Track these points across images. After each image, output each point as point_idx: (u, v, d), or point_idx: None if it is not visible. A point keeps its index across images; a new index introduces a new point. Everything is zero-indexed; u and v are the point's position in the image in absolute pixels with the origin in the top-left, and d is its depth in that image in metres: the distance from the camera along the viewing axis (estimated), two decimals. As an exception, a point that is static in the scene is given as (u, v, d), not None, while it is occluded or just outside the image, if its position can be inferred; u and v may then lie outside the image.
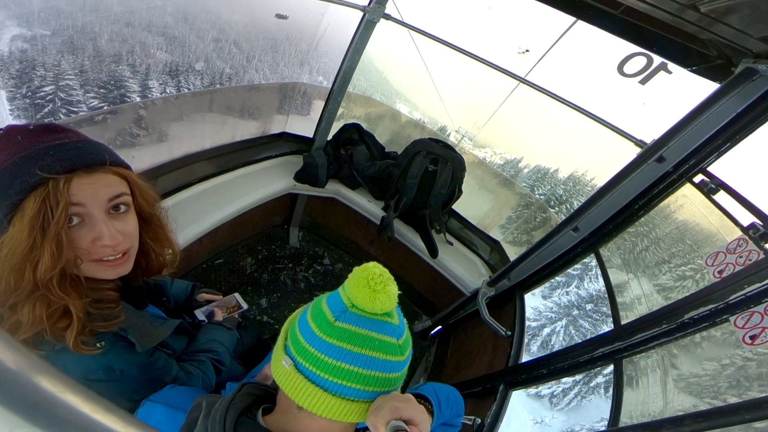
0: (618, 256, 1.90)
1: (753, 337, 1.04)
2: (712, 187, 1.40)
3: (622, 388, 1.49)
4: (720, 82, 1.39)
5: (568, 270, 2.03)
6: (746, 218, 1.24)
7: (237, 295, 1.62)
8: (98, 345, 0.81)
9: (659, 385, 1.42)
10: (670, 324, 1.29)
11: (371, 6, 2.31)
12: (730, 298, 1.13)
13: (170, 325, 1.03)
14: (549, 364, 1.74)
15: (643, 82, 1.63)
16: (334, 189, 2.88)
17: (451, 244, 2.81)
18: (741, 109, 1.31)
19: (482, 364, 2.31)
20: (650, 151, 1.55)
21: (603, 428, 1.41)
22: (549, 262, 2.03)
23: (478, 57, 2.35)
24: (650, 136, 1.66)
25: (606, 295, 1.81)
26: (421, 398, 0.89)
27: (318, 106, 3.00)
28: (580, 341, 1.69)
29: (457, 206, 2.84)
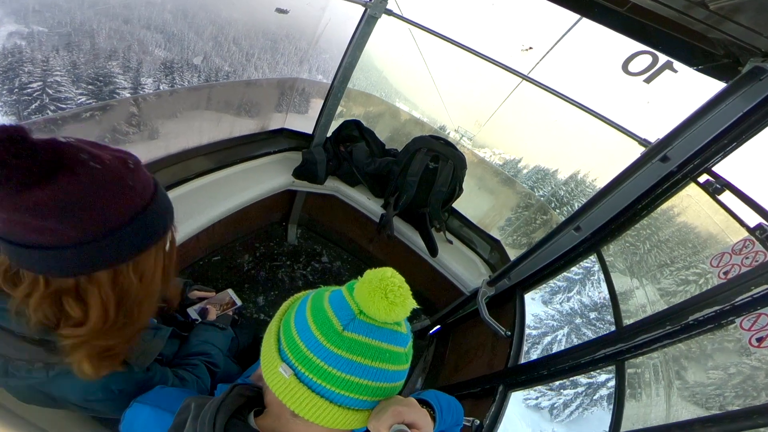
0: (622, 262, 1.88)
1: (760, 340, 1.03)
2: (717, 187, 1.38)
3: (623, 391, 1.47)
4: (726, 81, 1.38)
5: (570, 275, 2.01)
6: (752, 219, 1.22)
7: (231, 291, 1.59)
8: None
9: (662, 397, 1.40)
10: (674, 325, 1.27)
11: (373, 1, 2.29)
12: (736, 299, 1.11)
13: (162, 335, 1.00)
14: (549, 365, 1.72)
15: (648, 80, 1.61)
16: (334, 186, 2.85)
17: (451, 242, 2.79)
18: (748, 109, 1.29)
19: (481, 364, 2.29)
20: (654, 151, 1.53)
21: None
22: (550, 262, 2.02)
23: (481, 54, 2.32)
24: (654, 135, 1.64)
25: (609, 302, 1.79)
26: (423, 403, 0.87)
27: (317, 103, 2.98)
28: (580, 343, 1.68)
29: (457, 204, 2.82)
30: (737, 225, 1.26)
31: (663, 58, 1.54)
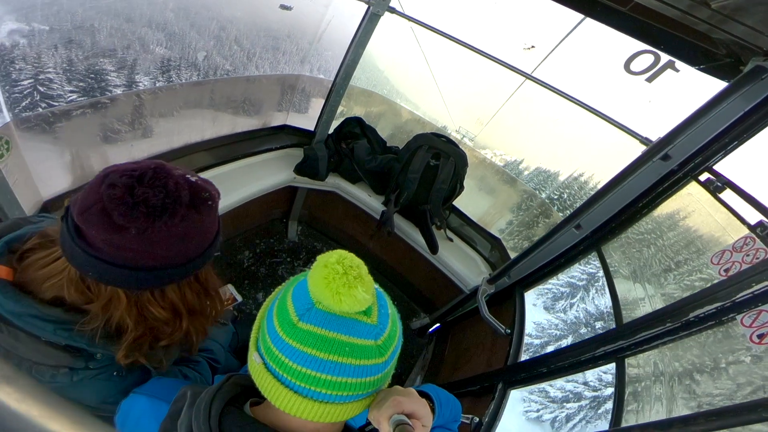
0: (626, 267, 1.88)
1: (761, 336, 1.03)
2: (718, 186, 1.39)
3: (624, 389, 1.48)
4: (728, 80, 1.38)
5: (574, 281, 2.00)
6: (753, 216, 1.23)
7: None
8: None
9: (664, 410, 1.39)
10: (675, 322, 1.28)
11: (376, -1, 2.30)
12: (737, 296, 1.12)
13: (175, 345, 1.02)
14: (549, 362, 1.73)
15: (649, 80, 1.62)
16: (335, 183, 2.85)
17: (451, 240, 2.79)
18: (749, 108, 1.30)
19: (480, 362, 2.29)
20: (656, 149, 1.53)
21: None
22: (550, 260, 2.02)
23: (484, 52, 2.33)
24: (656, 133, 1.65)
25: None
26: (422, 395, 0.87)
27: (318, 102, 2.98)
28: (580, 340, 1.68)
29: (458, 202, 2.83)
30: (738, 223, 1.26)
31: (665, 57, 1.55)
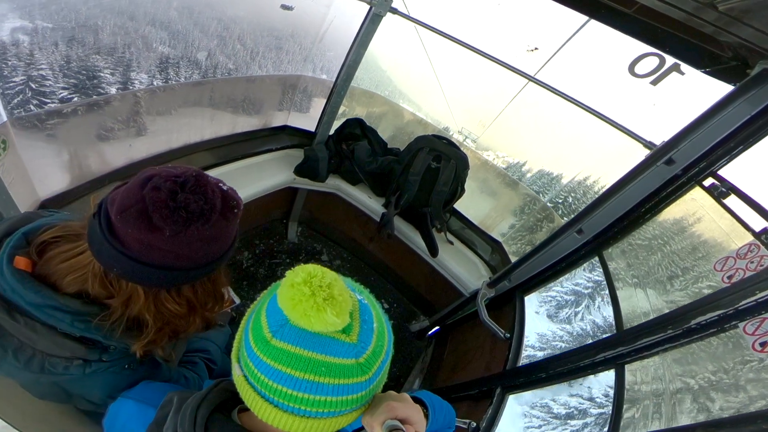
0: (628, 274, 1.85)
1: (764, 344, 1.01)
2: (722, 191, 1.36)
3: (622, 396, 1.46)
4: (734, 84, 1.36)
5: (579, 288, 1.98)
6: (758, 223, 1.20)
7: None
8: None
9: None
10: (676, 329, 1.25)
11: (378, -1, 2.28)
12: (740, 303, 1.10)
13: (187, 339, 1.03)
14: (548, 367, 1.71)
15: (654, 82, 1.60)
16: (335, 184, 2.84)
17: (451, 243, 2.77)
18: (755, 112, 1.28)
19: (479, 366, 2.28)
20: (659, 153, 1.52)
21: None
22: (551, 264, 2.00)
23: (487, 54, 2.31)
24: (660, 137, 1.63)
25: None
26: (415, 400, 0.86)
27: (319, 102, 2.97)
28: (580, 346, 1.66)
29: (459, 205, 2.81)
30: (742, 229, 1.24)
31: (670, 60, 1.53)
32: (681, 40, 1.45)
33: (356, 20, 2.44)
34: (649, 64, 1.58)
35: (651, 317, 1.46)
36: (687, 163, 1.46)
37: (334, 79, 2.68)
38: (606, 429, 1.41)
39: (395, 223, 2.65)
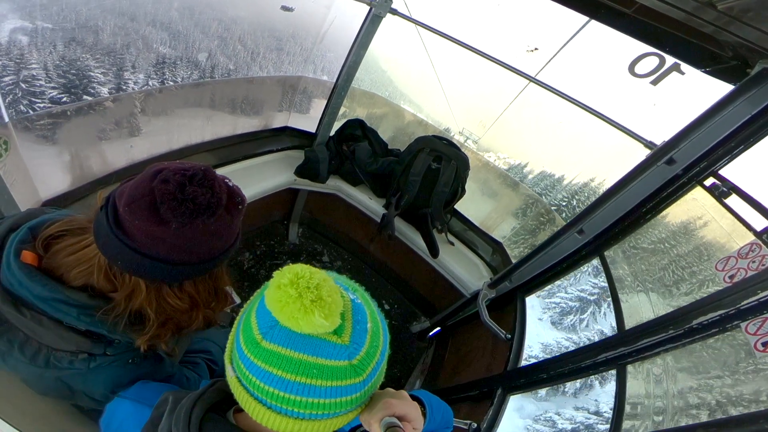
0: (634, 282, 1.84)
1: (766, 344, 1.01)
2: (723, 191, 1.36)
3: (624, 398, 1.45)
4: (734, 83, 1.36)
5: (585, 295, 1.97)
6: (759, 222, 1.20)
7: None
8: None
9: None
10: (678, 329, 1.25)
11: (378, 0, 2.28)
12: (742, 303, 1.09)
13: (190, 336, 1.02)
14: (549, 368, 1.71)
15: (654, 82, 1.60)
16: (335, 185, 2.84)
17: (452, 244, 2.77)
18: (756, 111, 1.27)
19: (480, 367, 2.27)
20: (660, 153, 1.51)
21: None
22: (552, 265, 2.00)
23: (487, 55, 2.31)
24: (660, 137, 1.62)
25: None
26: (413, 398, 0.86)
27: (320, 103, 2.97)
28: (581, 346, 1.66)
29: (459, 206, 2.81)
30: (744, 229, 1.24)
31: (670, 60, 1.53)
32: (681, 40, 1.44)
33: (356, 21, 2.44)
34: (649, 64, 1.58)
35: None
36: (688, 162, 1.46)
37: (334, 80, 2.69)
38: (607, 427, 1.41)
39: (396, 224, 2.65)
